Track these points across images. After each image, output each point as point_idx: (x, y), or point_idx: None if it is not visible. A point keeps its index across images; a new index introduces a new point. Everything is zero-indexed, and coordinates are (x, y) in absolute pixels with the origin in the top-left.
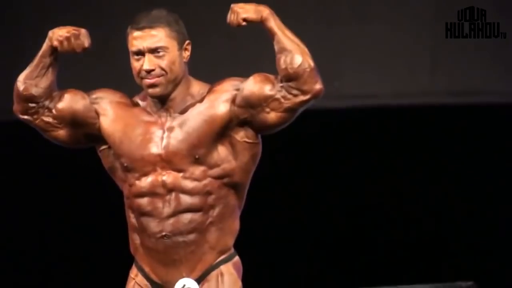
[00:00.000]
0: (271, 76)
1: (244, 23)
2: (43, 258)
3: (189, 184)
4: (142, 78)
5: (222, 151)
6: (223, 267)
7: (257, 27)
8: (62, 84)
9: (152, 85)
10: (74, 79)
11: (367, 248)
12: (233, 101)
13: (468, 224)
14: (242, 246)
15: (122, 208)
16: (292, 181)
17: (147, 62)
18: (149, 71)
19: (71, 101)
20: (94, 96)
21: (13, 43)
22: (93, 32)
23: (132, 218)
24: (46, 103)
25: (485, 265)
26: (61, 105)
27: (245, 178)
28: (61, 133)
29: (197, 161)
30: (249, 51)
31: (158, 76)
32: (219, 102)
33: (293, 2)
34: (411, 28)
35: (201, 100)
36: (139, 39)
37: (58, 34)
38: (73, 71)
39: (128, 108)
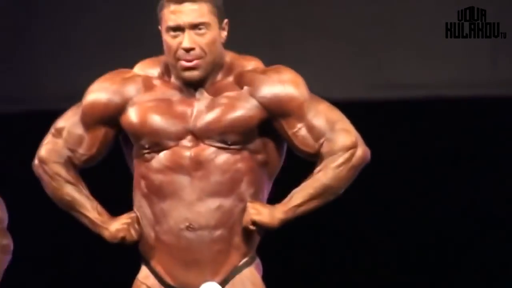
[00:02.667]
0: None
1: (252, 227)
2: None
3: (220, 156)
4: (178, 59)
5: (260, 139)
6: (247, 270)
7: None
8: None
9: (190, 68)
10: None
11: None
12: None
13: None
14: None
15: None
16: None
17: (187, 40)
18: (188, 50)
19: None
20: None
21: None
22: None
23: (146, 208)
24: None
25: None
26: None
27: (278, 165)
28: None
29: (229, 145)
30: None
31: (198, 58)
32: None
33: None
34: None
35: (240, 79)
36: (178, 13)
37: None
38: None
39: (144, 88)
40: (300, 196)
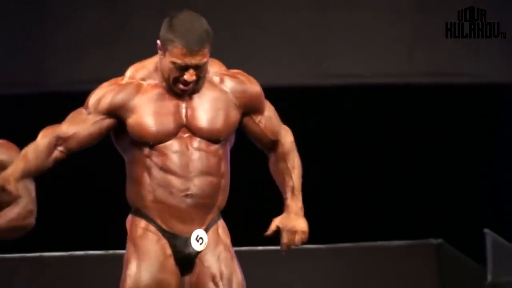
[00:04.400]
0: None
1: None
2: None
3: (210, 146)
4: (177, 82)
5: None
6: (219, 221)
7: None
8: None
9: (185, 90)
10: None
11: (343, 207)
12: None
13: (439, 189)
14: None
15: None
16: None
17: (190, 76)
18: (189, 83)
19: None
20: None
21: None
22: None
23: (147, 178)
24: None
25: (453, 224)
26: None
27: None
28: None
29: (219, 141)
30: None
31: (192, 83)
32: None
33: None
34: (391, 16)
35: (220, 81)
36: (188, 57)
37: None
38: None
39: (138, 92)
40: (299, 188)
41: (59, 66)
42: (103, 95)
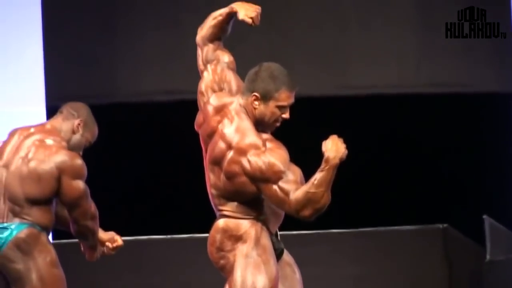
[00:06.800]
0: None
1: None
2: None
3: None
4: (276, 121)
5: None
6: None
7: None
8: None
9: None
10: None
11: (362, 198)
12: None
13: (446, 182)
14: None
15: None
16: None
17: (288, 113)
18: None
19: None
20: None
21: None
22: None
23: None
24: None
25: (457, 211)
26: None
27: None
28: None
29: None
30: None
31: None
32: None
33: (316, 16)
34: (401, 35)
35: None
36: (292, 97)
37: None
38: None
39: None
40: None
41: (128, 80)
42: (286, 155)
